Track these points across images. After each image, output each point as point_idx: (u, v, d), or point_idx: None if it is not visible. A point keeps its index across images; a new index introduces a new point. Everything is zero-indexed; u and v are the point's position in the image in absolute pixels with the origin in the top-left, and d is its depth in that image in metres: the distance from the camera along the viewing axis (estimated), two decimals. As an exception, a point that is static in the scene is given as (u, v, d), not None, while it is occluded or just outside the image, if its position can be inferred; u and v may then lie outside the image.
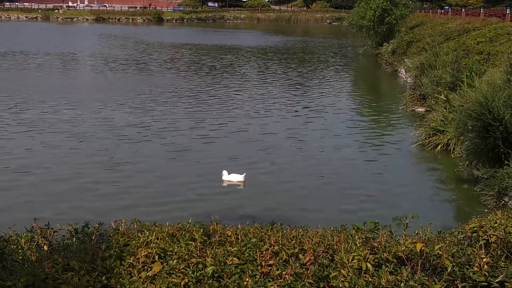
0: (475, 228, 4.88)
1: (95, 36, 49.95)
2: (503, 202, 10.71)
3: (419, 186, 12.99)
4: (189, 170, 13.46)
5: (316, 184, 12.69)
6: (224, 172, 12.59)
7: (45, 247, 4.22)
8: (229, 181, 12.49)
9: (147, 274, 3.67)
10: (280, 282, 3.66)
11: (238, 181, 12.41)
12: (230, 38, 50.16)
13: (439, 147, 15.11)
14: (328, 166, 14.09)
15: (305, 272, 3.79)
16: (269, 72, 30.75)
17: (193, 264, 3.81)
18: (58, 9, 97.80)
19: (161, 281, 3.53)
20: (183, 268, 3.71)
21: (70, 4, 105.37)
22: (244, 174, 12.46)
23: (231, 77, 28.56)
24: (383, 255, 4.11)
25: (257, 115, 19.72)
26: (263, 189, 12.34)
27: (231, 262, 3.91)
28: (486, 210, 10.08)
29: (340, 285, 3.72)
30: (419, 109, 20.04)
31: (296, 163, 14.23)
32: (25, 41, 43.05)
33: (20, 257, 3.98)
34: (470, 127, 12.82)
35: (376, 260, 4.10)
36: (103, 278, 3.58)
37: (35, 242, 4.33)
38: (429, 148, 15.35)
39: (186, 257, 3.89)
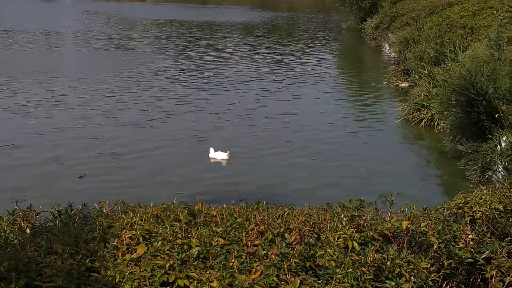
0: (461, 204, 4.88)
1: (79, 13, 49.21)
2: (486, 176, 10.78)
3: (403, 162, 13.03)
4: (175, 149, 13.38)
5: (300, 161, 12.68)
6: (211, 150, 12.56)
7: (28, 230, 4.16)
8: (215, 158, 12.46)
9: (132, 257, 3.62)
10: (266, 262, 3.64)
11: (222, 159, 12.38)
12: (215, 14, 49.64)
13: (423, 122, 15.13)
14: (312, 142, 14.07)
15: (291, 251, 3.77)
16: (255, 48, 30.52)
17: (178, 245, 3.77)
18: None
19: (145, 263, 3.49)
20: (168, 250, 3.67)
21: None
22: (228, 152, 12.42)
23: (218, 54, 28.28)
24: (369, 233, 4.10)
25: (244, 92, 19.55)
26: (247, 166, 12.32)
27: (216, 243, 3.87)
28: (471, 186, 10.12)
29: (327, 264, 3.71)
30: (403, 84, 20.04)
31: (280, 140, 14.19)
32: (8, 19, 42.30)
33: (2, 241, 3.92)
34: (453, 102, 12.85)
35: (362, 238, 4.09)
36: (87, 261, 3.53)
37: (17, 225, 4.27)
38: (413, 123, 15.38)
39: (171, 238, 3.85)
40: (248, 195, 9.63)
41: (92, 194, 9.85)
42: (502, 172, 10.27)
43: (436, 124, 14.74)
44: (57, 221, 4.26)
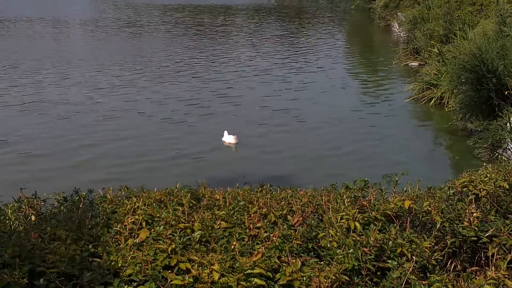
0: (465, 183, 4.86)
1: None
2: (496, 154, 10.72)
3: (412, 141, 12.99)
4: (183, 134, 13.41)
5: (308, 142, 12.67)
6: (225, 133, 12.59)
7: (33, 217, 4.19)
8: (225, 142, 12.53)
9: (134, 241, 3.64)
10: (268, 244, 3.64)
11: (229, 143, 12.44)
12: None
13: (432, 101, 15.05)
14: (322, 123, 14.07)
15: (293, 233, 3.77)
16: (262, 30, 30.45)
17: (180, 229, 3.78)
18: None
19: (148, 247, 3.51)
20: (170, 234, 3.68)
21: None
22: (235, 136, 12.44)
23: (225, 37, 28.19)
24: (372, 213, 4.09)
25: (251, 74, 19.51)
26: (256, 150, 12.33)
27: (219, 226, 3.88)
28: (484, 164, 10.07)
29: (329, 245, 3.71)
30: (413, 63, 19.92)
31: (289, 122, 14.20)
32: (13, 7, 42.27)
33: (8, 228, 3.95)
34: (463, 80, 12.76)
35: (365, 219, 4.08)
36: (90, 246, 3.55)
37: (22, 212, 4.30)
38: (423, 102, 15.30)
39: (173, 222, 3.86)
40: (254, 178, 9.64)
41: (92, 181, 9.76)
42: (511, 150, 10.21)
43: (445, 102, 14.66)
44: (62, 208, 4.29)
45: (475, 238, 4.12)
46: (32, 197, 4.44)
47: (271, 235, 3.74)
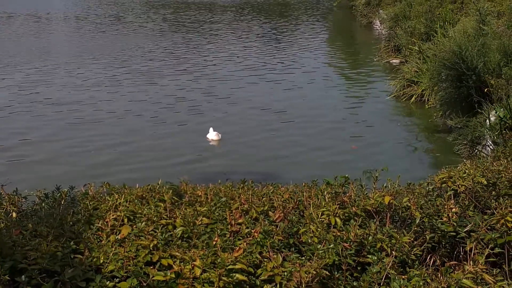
0: (444, 179, 4.93)
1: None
2: (476, 150, 10.83)
3: (393, 138, 13.07)
4: (167, 131, 13.37)
5: (291, 140, 12.70)
6: (210, 129, 12.56)
7: (14, 214, 4.18)
8: (208, 138, 12.53)
9: (116, 238, 3.65)
10: (249, 240, 3.68)
11: (212, 139, 12.44)
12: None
13: (413, 98, 15.16)
14: (304, 120, 14.08)
15: (274, 229, 3.81)
16: (244, 29, 30.40)
17: (162, 225, 3.81)
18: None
19: (130, 243, 3.52)
20: (152, 230, 3.70)
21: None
22: (216, 132, 12.45)
23: (211, 35, 28.10)
24: (352, 209, 4.14)
25: (235, 71, 19.49)
26: (239, 147, 12.34)
27: (200, 222, 3.91)
28: (464, 161, 10.18)
29: (309, 241, 3.75)
30: (394, 61, 20.01)
31: (271, 118, 14.21)
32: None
33: (-12, 225, 3.94)
34: (443, 77, 12.86)
35: (345, 215, 4.13)
36: (72, 243, 3.55)
37: (3, 209, 4.29)
38: (403, 100, 15.39)
39: (155, 219, 3.89)
40: (236, 175, 9.66)
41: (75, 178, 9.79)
42: (491, 147, 10.32)
43: (426, 100, 14.77)
44: (43, 204, 4.29)
45: (454, 233, 4.18)
46: (13, 193, 4.43)
47: (252, 231, 3.78)
